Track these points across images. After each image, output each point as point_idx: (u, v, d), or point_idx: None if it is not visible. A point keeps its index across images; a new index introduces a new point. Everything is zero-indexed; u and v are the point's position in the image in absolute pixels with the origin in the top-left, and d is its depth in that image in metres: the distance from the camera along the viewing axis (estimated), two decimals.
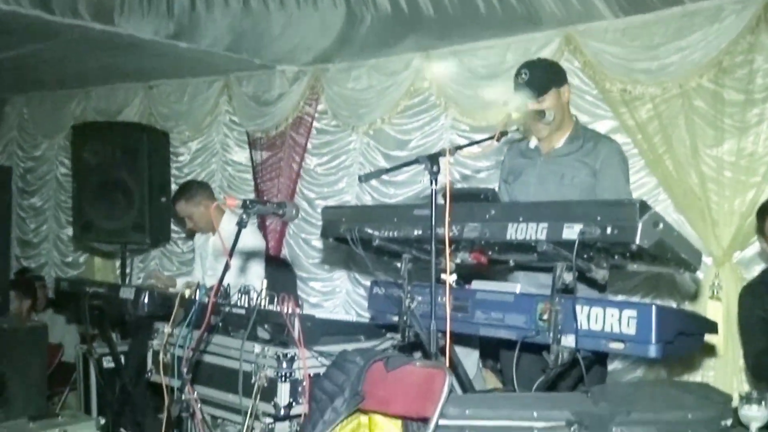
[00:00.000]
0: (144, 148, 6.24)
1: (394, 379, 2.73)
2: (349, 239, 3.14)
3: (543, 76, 3.43)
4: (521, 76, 3.43)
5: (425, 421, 2.59)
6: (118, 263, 7.59)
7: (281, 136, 6.51)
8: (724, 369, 4.31)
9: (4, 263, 5.20)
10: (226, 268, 2.80)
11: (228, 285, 4.03)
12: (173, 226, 6.72)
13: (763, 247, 3.47)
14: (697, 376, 4.39)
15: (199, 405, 3.14)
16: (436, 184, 2.86)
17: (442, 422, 2.48)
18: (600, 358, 3.07)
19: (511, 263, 3.11)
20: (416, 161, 2.87)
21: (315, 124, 6.39)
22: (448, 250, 2.82)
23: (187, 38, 5.83)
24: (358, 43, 5.70)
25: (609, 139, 3.63)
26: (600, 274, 2.76)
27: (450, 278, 2.91)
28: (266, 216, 6.26)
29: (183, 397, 2.97)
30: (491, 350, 4.38)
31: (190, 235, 6.10)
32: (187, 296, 4.03)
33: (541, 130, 3.43)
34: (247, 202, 2.85)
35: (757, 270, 4.08)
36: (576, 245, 2.50)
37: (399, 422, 2.73)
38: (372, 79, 6.03)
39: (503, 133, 3.11)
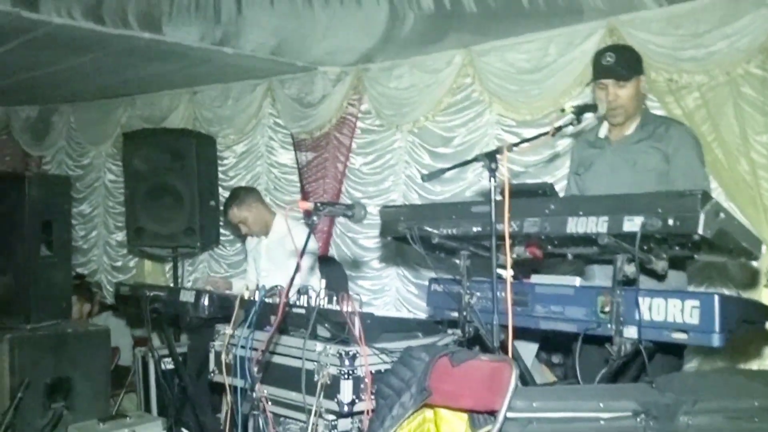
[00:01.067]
0: (192, 153, 6.35)
1: (461, 374, 2.79)
2: (409, 237, 3.19)
3: (629, 62, 3.46)
4: (606, 59, 3.44)
5: (493, 413, 2.65)
6: (168, 267, 7.77)
7: (325, 137, 6.58)
8: None
9: (67, 269, 5.33)
10: (297, 269, 2.86)
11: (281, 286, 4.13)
12: (221, 230, 6.85)
13: None
14: (754, 365, 4.38)
15: (269, 404, 3.21)
16: (495, 181, 2.91)
17: (509, 415, 2.52)
18: (673, 349, 3.08)
19: (569, 257, 3.16)
20: (476, 159, 2.92)
21: (359, 123, 6.44)
22: (508, 246, 2.87)
23: (233, 43, 5.93)
24: (400, 42, 5.75)
25: (680, 122, 3.63)
26: (659, 265, 2.78)
27: (508, 273, 2.95)
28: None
29: (254, 396, 3.05)
30: (547, 344, 4.42)
31: (240, 236, 6.20)
32: (246, 297, 4.14)
33: (618, 116, 3.43)
34: (319, 205, 2.92)
35: None
36: (638, 237, 2.53)
37: (465, 416, 2.79)
38: (414, 77, 6.06)
39: (558, 128, 3.15)
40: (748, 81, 4.35)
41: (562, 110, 3.20)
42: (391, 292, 6.15)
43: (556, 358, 4.76)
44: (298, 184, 6.78)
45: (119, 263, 8.32)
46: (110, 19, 5.36)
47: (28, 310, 5.01)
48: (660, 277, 2.90)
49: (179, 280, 6.79)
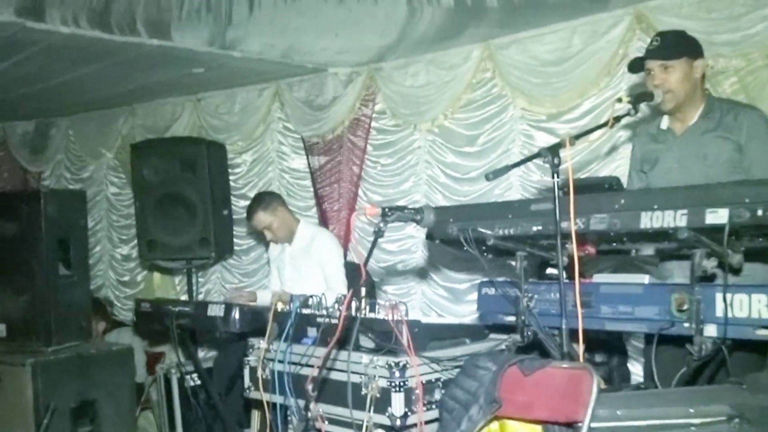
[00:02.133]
0: (204, 161, 6.21)
1: (534, 383, 2.63)
2: (463, 240, 3.02)
3: (675, 42, 3.31)
4: (653, 43, 3.31)
5: (571, 425, 2.49)
6: (177, 279, 7.60)
7: (339, 140, 6.41)
8: None
9: (86, 288, 5.15)
10: (363, 278, 2.68)
11: (319, 295, 3.98)
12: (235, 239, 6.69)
13: None
14: None
15: (326, 423, 3.04)
16: (558, 177, 2.75)
17: (593, 425, 2.38)
18: (758, 347, 2.92)
19: (632, 253, 3.01)
20: (539, 154, 2.76)
21: (373, 124, 6.27)
22: (575, 245, 2.71)
23: (241, 47, 5.76)
24: (415, 39, 5.59)
25: (751, 107, 3.46)
26: (735, 259, 2.64)
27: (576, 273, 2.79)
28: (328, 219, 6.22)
29: (309, 416, 2.89)
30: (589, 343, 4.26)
31: (264, 243, 6.04)
32: (280, 309, 3.97)
33: (667, 102, 3.27)
34: (387, 210, 2.75)
35: None
36: (726, 230, 2.38)
37: (539, 428, 2.64)
38: (430, 74, 5.90)
39: (617, 119, 3.00)
40: None
41: (619, 99, 3.05)
42: (417, 295, 5.99)
43: (599, 357, 4.59)
44: (312, 189, 6.60)
45: (126, 278, 8.14)
46: (118, 26, 5.18)
47: (49, 331, 4.83)
48: (736, 271, 2.74)
49: (193, 293, 6.60)
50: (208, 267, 7.17)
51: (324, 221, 6.34)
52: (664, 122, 3.42)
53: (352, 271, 5.03)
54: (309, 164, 6.62)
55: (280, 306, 3.99)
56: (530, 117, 5.41)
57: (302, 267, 4.94)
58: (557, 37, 5.20)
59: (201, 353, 5.54)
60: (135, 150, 6.61)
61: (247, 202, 6.94)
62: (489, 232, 3.04)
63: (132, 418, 5.12)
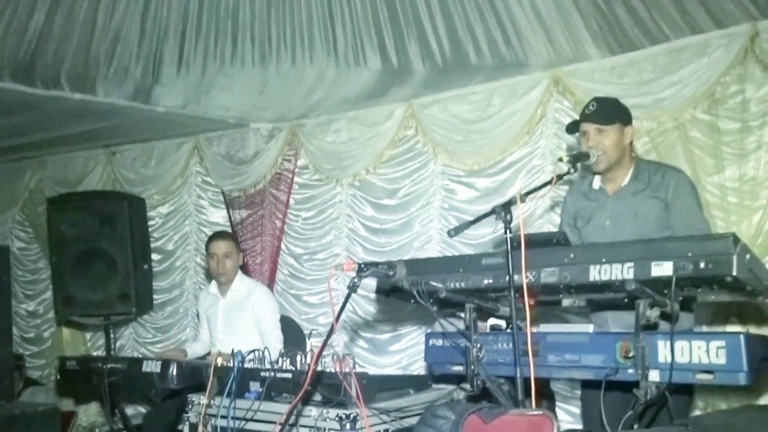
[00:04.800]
0: (124, 215, 6.14)
1: (495, 430, 2.74)
2: (416, 293, 3.12)
3: (610, 109, 3.53)
4: (589, 107, 3.52)
5: None
6: (88, 335, 7.40)
7: (261, 194, 6.47)
8: None
9: (8, 346, 4.96)
10: (331, 331, 2.73)
11: (261, 350, 4.01)
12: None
13: None
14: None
15: None
16: (510, 233, 2.91)
17: None
18: (685, 390, 3.13)
19: (569, 303, 3.18)
20: (492, 212, 2.92)
21: (296, 179, 6.37)
22: (527, 298, 2.86)
23: (165, 102, 5.77)
24: (340, 98, 5.76)
25: (675, 168, 3.70)
26: (675, 308, 2.84)
27: (527, 324, 2.94)
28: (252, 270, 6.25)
29: None
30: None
31: (180, 296, 5.97)
32: (220, 365, 3.96)
33: (600, 163, 3.48)
34: (362, 266, 2.82)
35: None
36: (674, 282, 2.58)
37: None
38: (353, 131, 6.06)
39: (559, 177, 3.19)
40: (695, 125, 4.53)
41: (560, 159, 3.25)
42: (339, 347, 6.02)
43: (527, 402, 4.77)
44: None
45: (31, 334, 7.88)
46: (41, 80, 5.14)
47: None
48: (672, 320, 2.94)
49: (111, 349, 6.44)
50: (128, 322, 7.03)
51: (245, 274, 6.33)
52: (596, 182, 3.65)
53: (287, 327, 5.05)
54: (230, 218, 6.63)
55: (220, 361, 3.99)
56: (451, 172, 5.60)
57: (236, 320, 4.91)
58: (478, 98, 5.44)
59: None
60: (52, 204, 6.45)
61: (162, 257, 6.97)
62: (441, 285, 3.15)
63: None
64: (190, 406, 3.99)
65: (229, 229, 6.48)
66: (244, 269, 6.30)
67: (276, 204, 6.39)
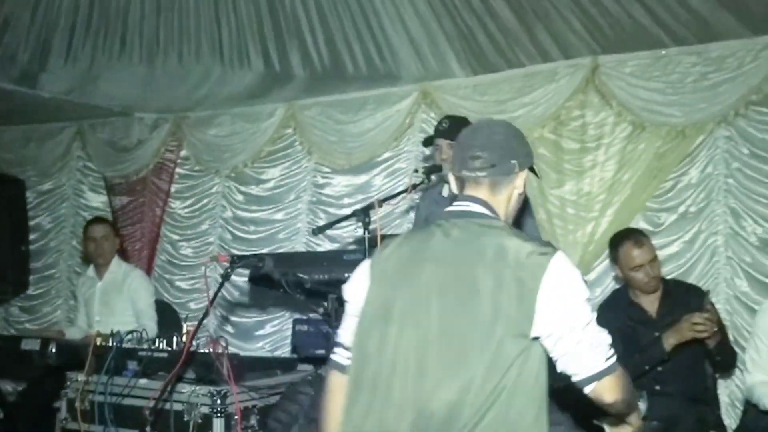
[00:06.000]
0: (1, 196, 6.18)
1: None
2: (284, 283, 3.51)
3: (460, 128, 3.89)
4: (442, 124, 3.97)
5: None
6: None
7: (142, 182, 6.68)
8: None
9: None
10: (206, 314, 3.06)
11: (140, 330, 4.28)
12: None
13: (616, 272, 4.15)
14: None
15: None
16: (368, 233, 3.34)
17: None
18: None
19: None
20: (353, 214, 3.33)
21: (178, 169, 6.63)
22: None
23: (50, 87, 5.92)
24: (224, 95, 6.06)
25: None
26: None
27: None
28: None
29: None
30: None
31: (56, 278, 6.11)
32: (99, 344, 4.20)
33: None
34: (235, 258, 3.17)
35: (598, 291, 4.85)
36: None
37: None
38: (236, 125, 6.37)
39: (414, 186, 3.65)
40: (543, 143, 5.09)
41: (416, 171, 3.70)
42: (210, 331, 6.31)
43: None
44: None
45: None
46: None
47: None
48: None
49: None
50: (1, 303, 7.08)
51: (124, 260, 6.53)
52: (445, 190, 4.11)
53: (164, 310, 5.32)
54: (110, 203, 6.81)
55: (99, 340, 4.23)
56: (322, 170, 6.03)
57: (113, 302, 5.13)
58: (354, 104, 5.88)
59: None
60: None
61: (37, 236, 7.04)
62: (306, 277, 3.55)
63: None
64: (68, 383, 4.19)
65: (109, 215, 6.67)
66: (123, 254, 6.50)
67: (157, 192, 6.62)
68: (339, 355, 2.29)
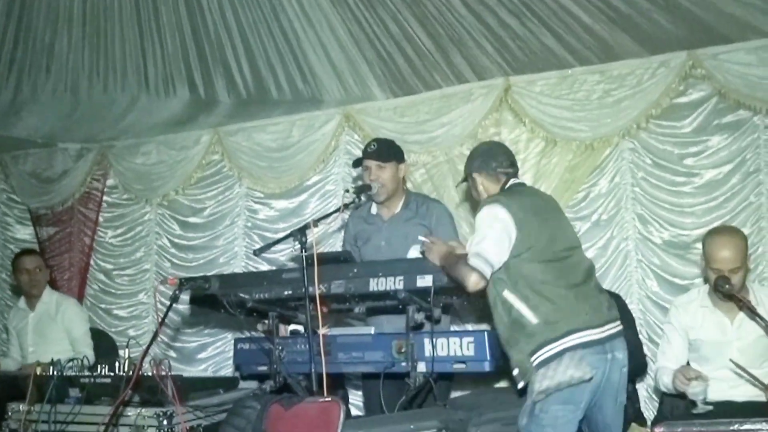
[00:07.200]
0: None
1: (294, 416, 3.35)
2: (226, 304, 3.66)
3: (388, 149, 4.19)
4: (371, 147, 4.17)
5: None
6: None
7: (69, 212, 6.70)
8: None
9: None
10: (156, 336, 3.19)
11: (80, 357, 4.35)
12: None
13: None
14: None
15: None
16: (305, 252, 3.52)
17: None
18: (447, 377, 3.86)
19: (357, 310, 3.82)
20: (290, 235, 3.51)
21: (105, 198, 6.67)
22: (319, 305, 3.48)
23: None
24: (150, 124, 6.15)
25: (437, 201, 4.42)
26: (437, 312, 3.56)
27: (320, 329, 3.56)
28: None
29: None
30: None
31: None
32: (39, 373, 4.25)
33: (380, 194, 4.10)
34: (183, 281, 3.30)
35: None
36: (432, 291, 3.29)
37: None
38: (162, 154, 6.46)
39: (346, 206, 3.85)
40: (462, 160, 5.26)
41: (347, 191, 3.92)
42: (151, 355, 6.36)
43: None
44: None
45: None
46: None
47: None
48: (437, 322, 3.66)
49: None
50: None
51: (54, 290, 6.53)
52: (374, 209, 4.31)
53: (99, 338, 5.37)
54: (37, 234, 6.80)
55: (39, 370, 4.28)
56: (254, 194, 6.17)
57: (47, 332, 5.17)
58: (279, 128, 6.04)
59: None
60: None
61: None
62: (248, 296, 3.71)
63: None
64: (9, 413, 4.24)
65: (36, 246, 6.67)
66: (52, 284, 6.51)
67: (85, 222, 6.66)
68: None
